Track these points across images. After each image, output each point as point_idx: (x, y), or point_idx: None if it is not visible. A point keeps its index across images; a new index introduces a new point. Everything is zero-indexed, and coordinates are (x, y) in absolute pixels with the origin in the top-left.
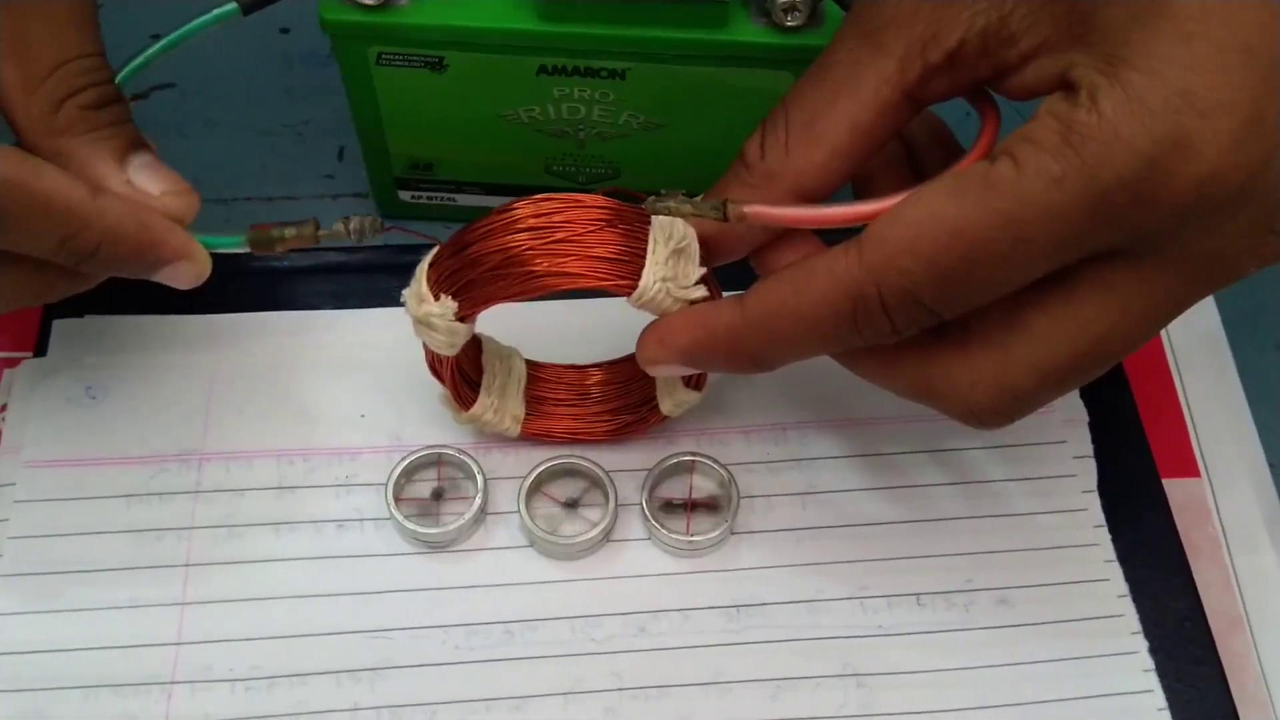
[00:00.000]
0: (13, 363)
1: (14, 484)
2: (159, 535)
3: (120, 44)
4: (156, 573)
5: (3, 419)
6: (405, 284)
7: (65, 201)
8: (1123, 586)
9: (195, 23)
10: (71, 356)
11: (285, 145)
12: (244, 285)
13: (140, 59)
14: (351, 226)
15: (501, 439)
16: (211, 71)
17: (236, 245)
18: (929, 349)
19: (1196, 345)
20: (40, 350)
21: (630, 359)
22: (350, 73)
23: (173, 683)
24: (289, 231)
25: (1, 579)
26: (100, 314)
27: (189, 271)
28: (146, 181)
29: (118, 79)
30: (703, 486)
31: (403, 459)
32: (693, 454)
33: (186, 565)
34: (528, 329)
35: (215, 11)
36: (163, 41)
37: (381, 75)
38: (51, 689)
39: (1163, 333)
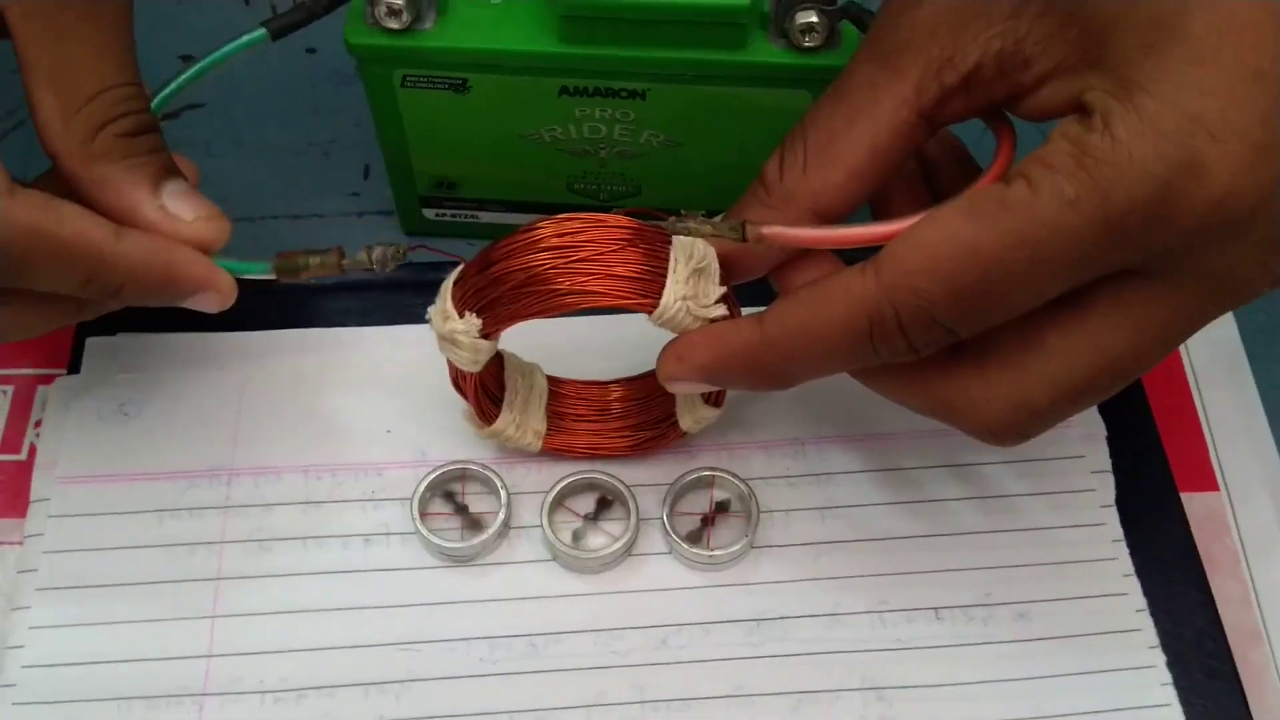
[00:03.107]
0: (47, 380)
1: (49, 499)
2: (190, 549)
3: (150, 65)
4: (188, 586)
5: (37, 435)
6: (430, 301)
7: (88, 245)
8: (1141, 600)
9: (225, 49)
10: (104, 374)
11: (312, 164)
12: (272, 303)
13: (172, 85)
14: (375, 256)
15: (524, 454)
16: (240, 92)
17: (262, 272)
18: (946, 367)
19: (1215, 359)
20: (74, 368)
21: (650, 376)
22: (375, 94)
23: (204, 694)
24: (314, 260)
25: (37, 592)
26: (132, 332)
27: (213, 300)
28: (180, 208)
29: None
30: (723, 501)
31: (428, 474)
32: (713, 469)
33: (217, 579)
34: (549, 345)
35: (245, 38)
36: (194, 68)
37: (406, 97)
38: (85, 701)
39: (1181, 347)
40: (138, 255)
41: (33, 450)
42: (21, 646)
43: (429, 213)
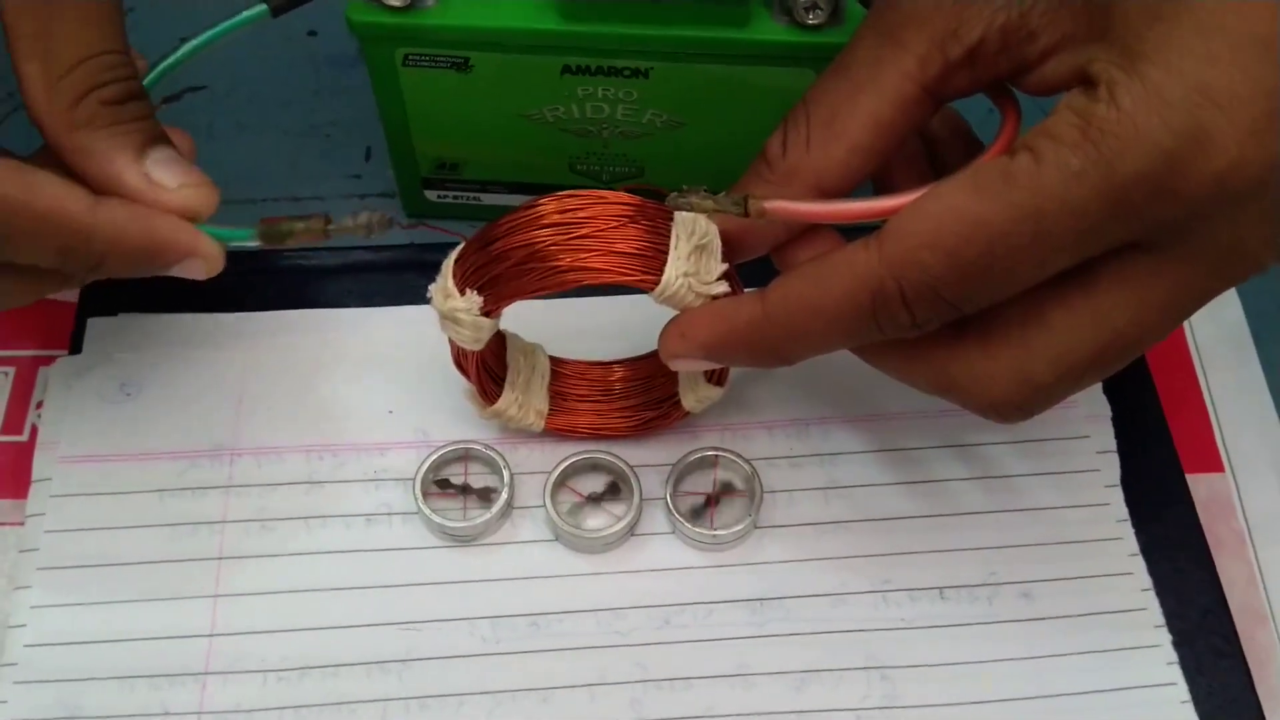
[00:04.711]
0: (48, 360)
1: (50, 479)
2: (192, 529)
3: (151, 47)
4: (190, 566)
5: (39, 415)
6: (432, 282)
7: (64, 216)
8: (1146, 580)
9: (225, 24)
10: (106, 354)
11: (313, 146)
12: (274, 284)
13: (170, 60)
14: (359, 221)
15: (527, 434)
16: (241, 74)
17: (247, 239)
18: (949, 343)
19: (1220, 340)
20: (75, 348)
21: (652, 356)
22: (377, 74)
23: (206, 674)
24: (299, 225)
25: (38, 572)
26: (134, 312)
27: (200, 267)
28: (164, 175)
29: (148, 80)
30: (726, 481)
31: (430, 454)
32: (716, 449)
33: (219, 558)
34: (552, 326)
35: (245, 14)
36: (193, 43)
37: (408, 76)
38: (87, 680)
39: (1186, 327)
40: (117, 224)
41: (34, 431)
42: (23, 626)
43: (431, 195)
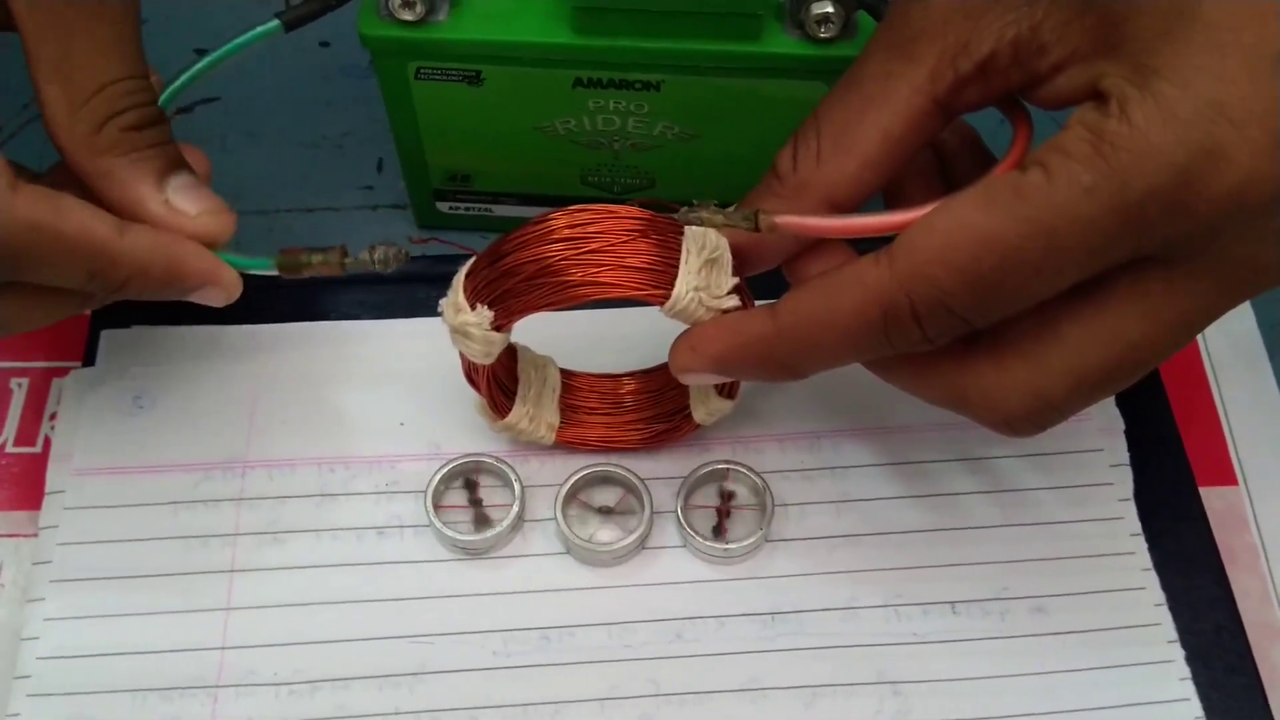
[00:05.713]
0: (62, 372)
1: (63, 491)
2: (204, 541)
3: (165, 59)
4: (202, 578)
5: (52, 428)
6: (443, 294)
7: (91, 240)
8: (1159, 595)
9: (239, 40)
10: (119, 366)
11: (325, 157)
12: (286, 296)
13: (185, 76)
14: (376, 256)
15: (537, 447)
16: (254, 85)
17: (265, 268)
18: (961, 357)
19: (1233, 352)
20: (89, 360)
21: (663, 368)
22: (389, 87)
23: (218, 686)
24: (316, 258)
25: (51, 584)
26: (147, 325)
27: (218, 295)
28: (184, 202)
29: (162, 99)
30: (737, 494)
31: (441, 467)
32: (727, 462)
33: (231, 571)
34: (562, 338)
35: (258, 29)
36: (207, 59)
37: (420, 89)
38: (99, 693)
39: (1199, 340)
40: (142, 250)
41: (48, 443)
42: (36, 638)
43: (442, 206)
